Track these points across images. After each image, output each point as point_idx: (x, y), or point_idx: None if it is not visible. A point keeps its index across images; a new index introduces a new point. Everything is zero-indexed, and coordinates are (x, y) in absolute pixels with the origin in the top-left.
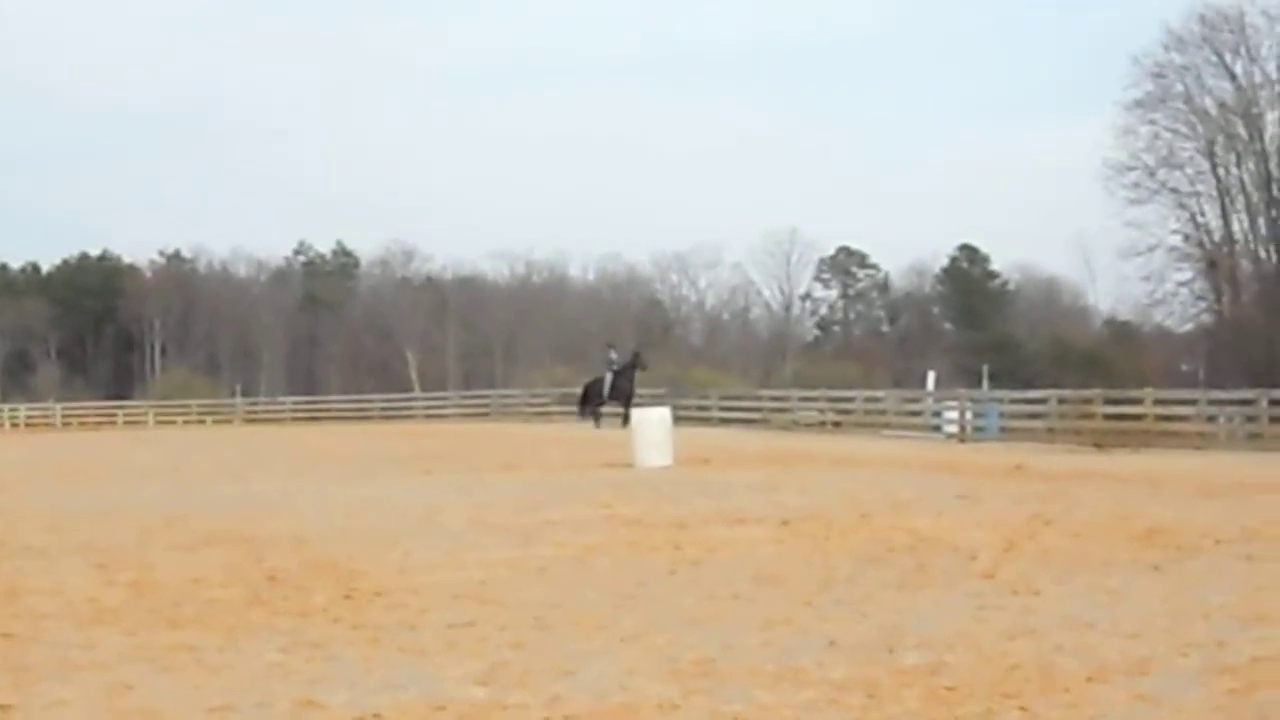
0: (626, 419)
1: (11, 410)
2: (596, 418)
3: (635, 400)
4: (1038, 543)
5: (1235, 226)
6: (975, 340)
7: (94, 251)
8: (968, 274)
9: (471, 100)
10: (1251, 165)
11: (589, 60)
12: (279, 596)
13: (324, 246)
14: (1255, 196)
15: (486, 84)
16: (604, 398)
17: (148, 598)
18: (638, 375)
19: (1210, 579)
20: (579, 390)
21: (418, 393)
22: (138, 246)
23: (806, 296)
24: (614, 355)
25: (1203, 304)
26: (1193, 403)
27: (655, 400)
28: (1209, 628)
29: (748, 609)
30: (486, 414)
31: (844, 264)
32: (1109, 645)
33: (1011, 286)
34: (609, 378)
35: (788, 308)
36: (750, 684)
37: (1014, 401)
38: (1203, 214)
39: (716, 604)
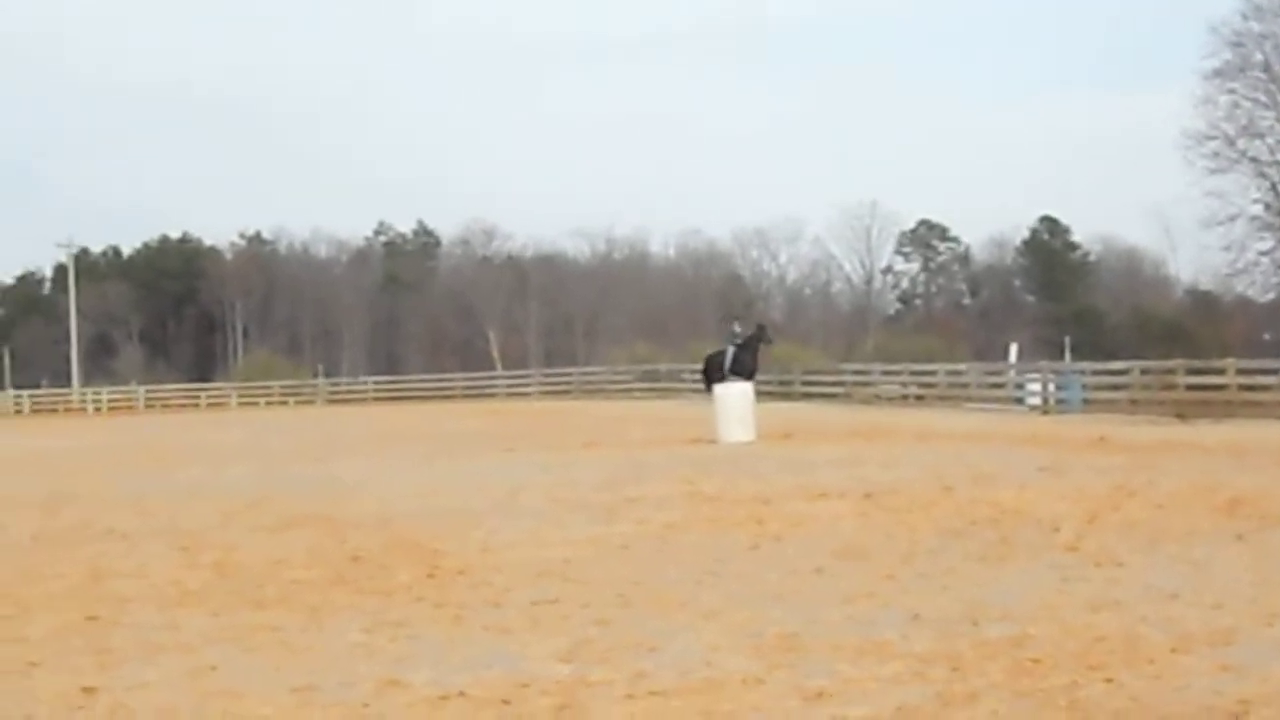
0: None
1: (95, 394)
2: None
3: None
4: (1121, 514)
5: None
6: (1057, 312)
7: (174, 234)
8: (1048, 246)
9: (549, 79)
10: None
11: (665, 37)
12: (362, 576)
13: (404, 226)
14: None
15: (564, 63)
16: (725, 373)
17: (231, 579)
18: (762, 350)
19: None
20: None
21: (499, 371)
22: (218, 229)
23: (887, 270)
24: (738, 328)
25: None
26: (1275, 372)
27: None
28: None
29: (830, 583)
30: (569, 392)
31: (924, 237)
32: (1193, 616)
33: (1092, 258)
34: (731, 351)
35: (869, 281)
36: (834, 658)
37: (1096, 373)
38: None
39: (798, 579)
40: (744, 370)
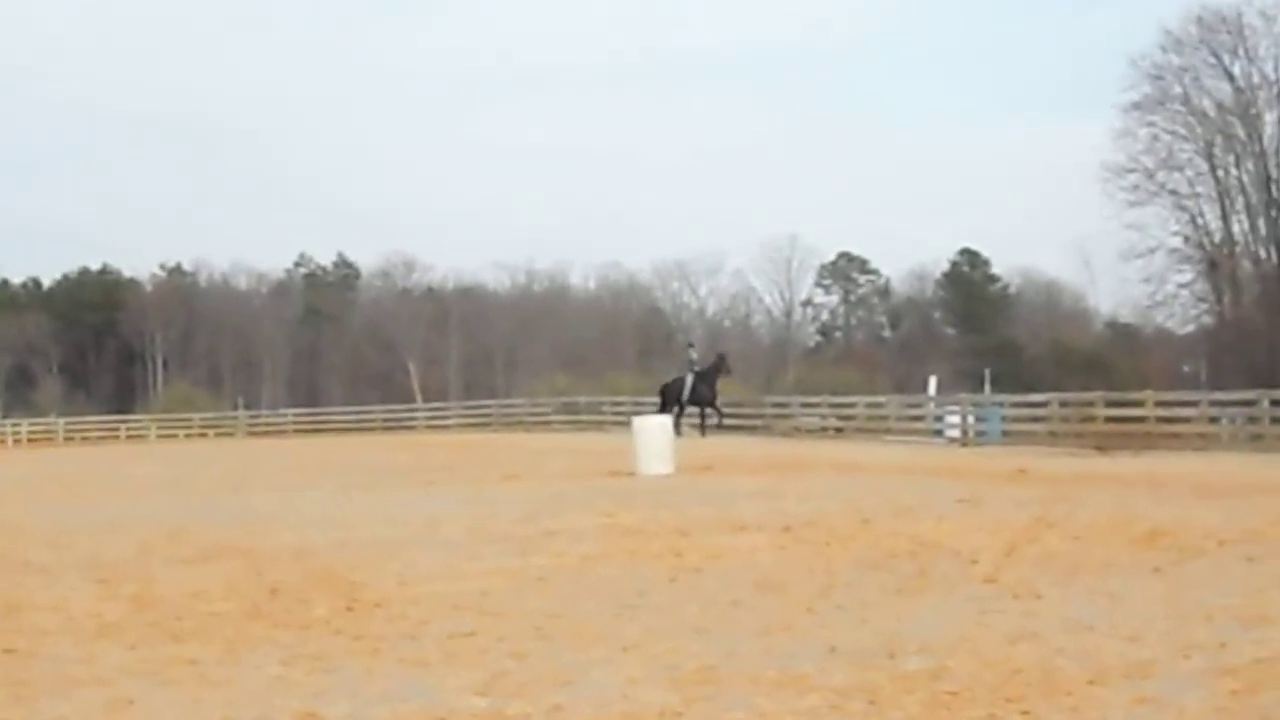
0: (706, 426)
1: (14, 425)
2: (678, 426)
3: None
4: (1039, 546)
5: (1235, 227)
6: (977, 344)
7: (94, 265)
8: (968, 278)
9: (469, 111)
10: (1250, 166)
11: (585, 69)
12: (280, 609)
13: (325, 258)
14: (1255, 197)
15: (484, 94)
16: (683, 402)
17: (149, 612)
18: (720, 381)
19: (1212, 580)
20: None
21: (419, 403)
22: (138, 260)
23: (808, 303)
24: (694, 355)
25: (1204, 305)
26: (1194, 404)
27: (656, 408)
28: (1211, 629)
29: (749, 616)
30: (488, 424)
31: (845, 270)
32: (1110, 648)
33: (1012, 290)
34: (689, 380)
35: (789, 314)
36: (751, 691)
37: (1016, 405)
38: (1202, 215)
39: (717, 611)
40: (702, 400)
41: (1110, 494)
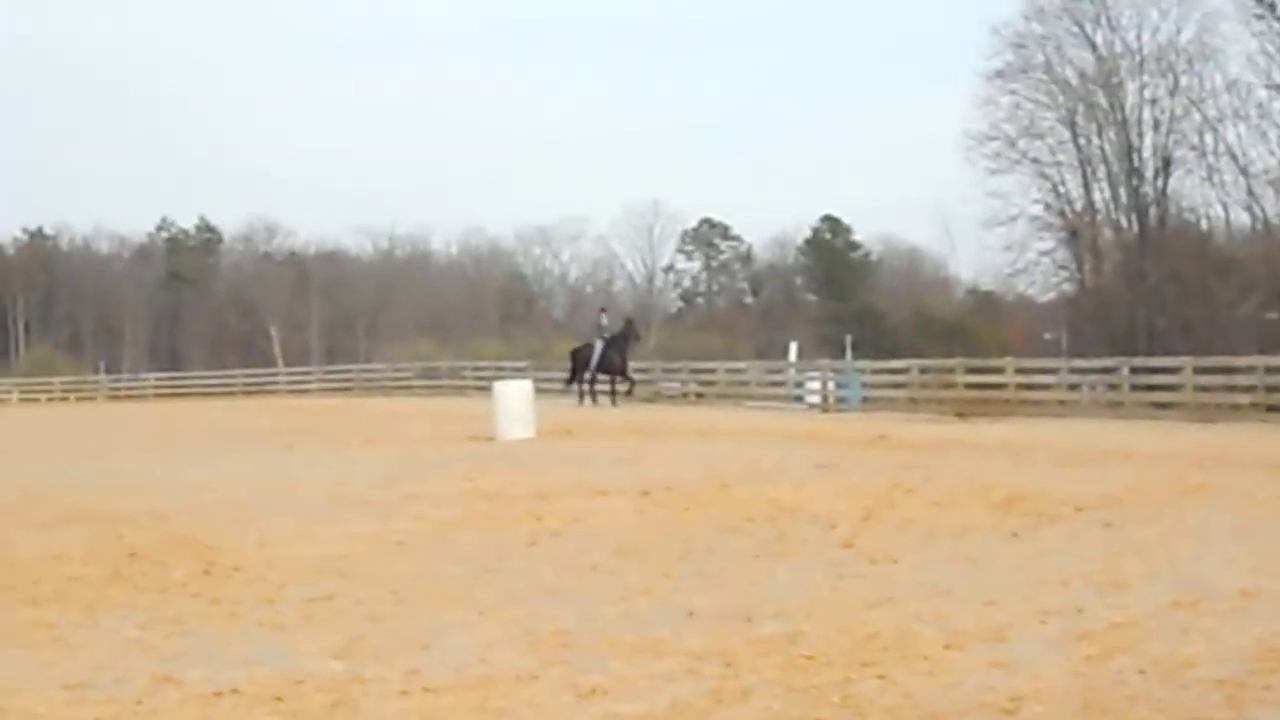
0: (617, 394)
1: None
2: (588, 395)
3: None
4: (897, 512)
5: (1096, 196)
6: (838, 311)
7: None
8: (830, 245)
9: (331, 74)
10: (1112, 135)
11: (449, 33)
12: (138, 573)
13: (187, 222)
14: (1116, 166)
15: (346, 58)
16: (593, 369)
17: (5, 576)
18: (631, 347)
19: (1069, 546)
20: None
21: (281, 368)
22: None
23: (669, 269)
24: (605, 321)
25: (1064, 273)
26: (1054, 371)
27: (517, 373)
28: (1067, 595)
29: (607, 580)
30: (349, 389)
31: (707, 236)
32: (967, 613)
33: (874, 257)
34: (599, 346)
35: (650, 280)
36: (608, 655)
37: (876, 371)
38: (1064, 184)
39: (575, 575)
40: (613, 367)
41: (969, 460)
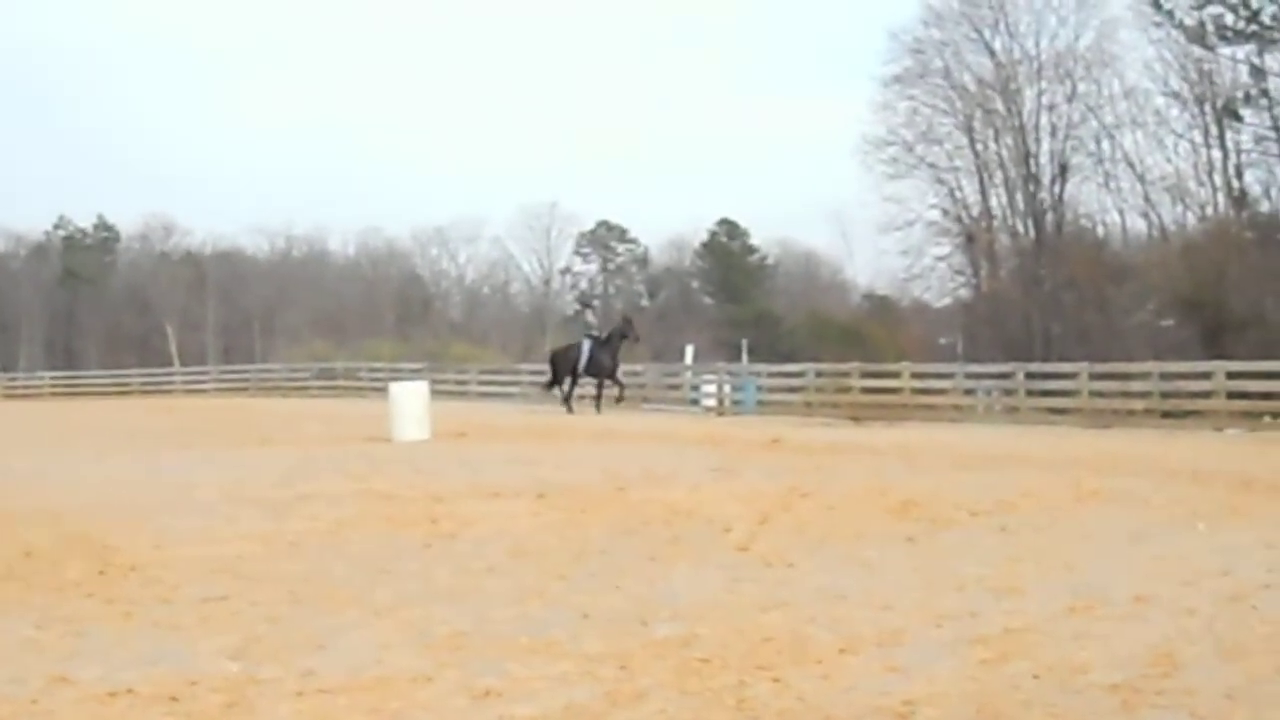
0: (602, 400)
1: None
2: (568, 399)
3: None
4: (792, 515)
5: (993, 201)
6: (734, 314)
7: None
8: (727, 248)
9: (230, 73)
10: (1009, 141)
11: (343, 33)
12: (33, 572)
13: (84, 221)
14: (1013, 172)
15: (244, 56)
16: (578, 372)
17: None
18: (624, 348)
19: (963, 551)
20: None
21: (177, 368)
22: None
23: (566, 270)
24: (592, 318)
25: (960, 278)
26: (949, 376)
27: (413, 374)
28: (962, 599)
29: (502, 582)
30: (246, 389)
31: (603, 238)
32: (862, 617)
33: (770, 261)
34: (586, 346)
35: (547, 282)
36: (503, 657)
37: (772, 375)
38: (960, 189)
39: (470, 577)
40: (602, 370)
41: (864, 464)
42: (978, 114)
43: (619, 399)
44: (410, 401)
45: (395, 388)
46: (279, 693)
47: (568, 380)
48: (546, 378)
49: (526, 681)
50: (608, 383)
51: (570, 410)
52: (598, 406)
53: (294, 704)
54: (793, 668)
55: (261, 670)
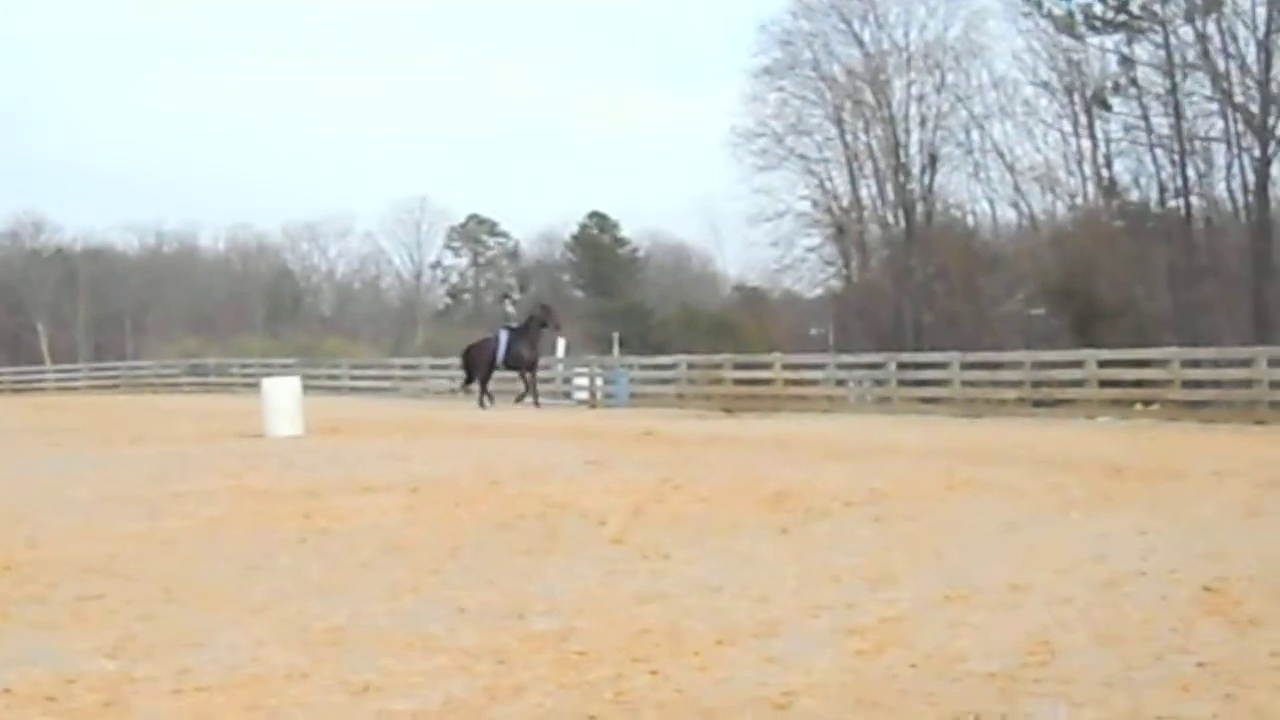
0: (526, 395)
1: None
2: (484, 394)
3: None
4: (667, 507)
5: (863, 192)
6: (605, 307)
7: None
8: (597, 241)
9: (96, 68)
10: (879, 131)
11: (211, 30)
12: None
13: None
14: (882, 163)
15: (110, 52)
16: (494, 366)
17: None
18: (544, 337)
19: (838, 541)
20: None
21: (48, 365)
22: None
23: (437, 265)
24: (511, 308)
25: (831, 269)
26: (821, 367)
27: (285, 370)
28: (838, 590)
29: (376, 577)
30: (117, 386)
31: (474, 232)
32: (738, 608)
33: (641, 254)
34: (504, 338)
35: (418, 276)
36: (380, 652)
37: (644, 367)
38: (831, 180)
39: (345, 573)
40: (521, 362)
41: (737, 456)
42: (847, 105)
43: (524, 395)
44: (283, 397)
45: (268, 383)
46: (156, 691)
47: (485, 375)
48: (462, 377)
49: (404, 676)
50: (528, 374)
51: (484, 406)
52: (526, 398)
53: (171, 702)
54: (670, 660)
55: (138, 668)
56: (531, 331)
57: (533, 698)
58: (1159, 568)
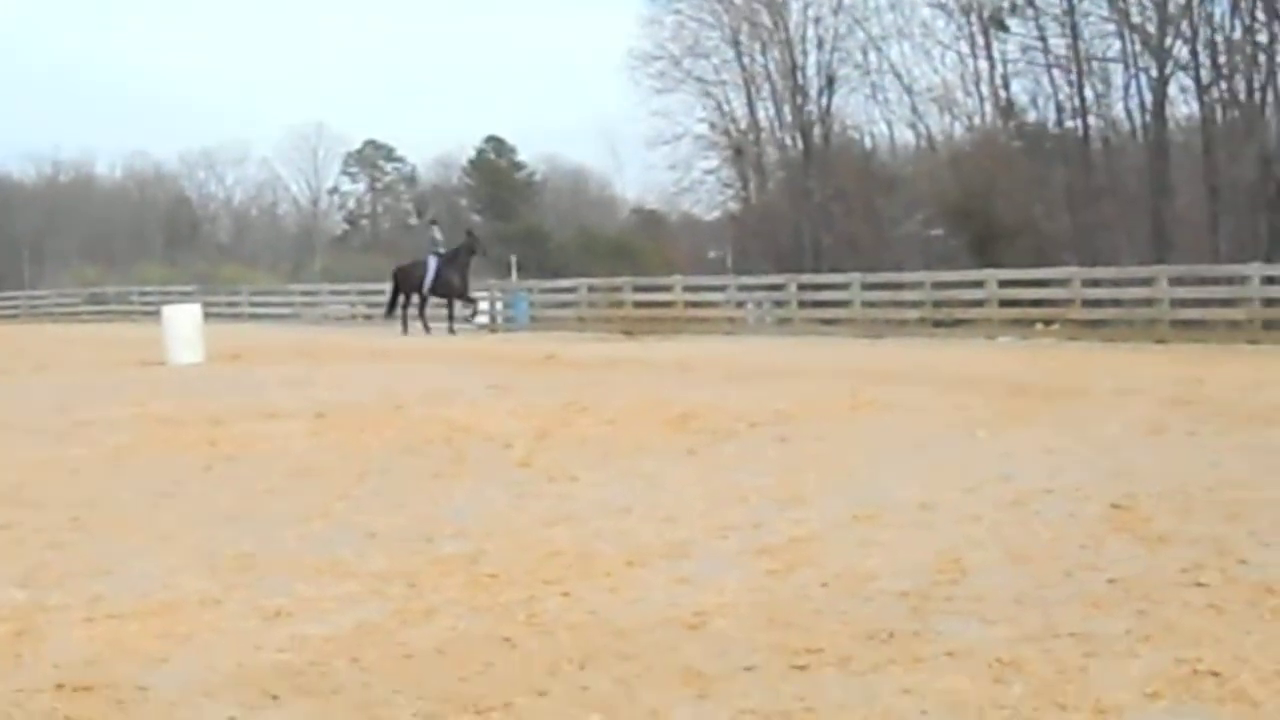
0: (455, 320)
1: None
2: (407, 320)
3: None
4: (572, 430)
5: (761, 114)
6: (503, 231)
7: None
8: (495, 166)
9: None
10: (776, 54)
11: None
12: None
13: None
14: (780, 85)
15: None
16: (424, 292)
17: None
18: (474, 263)
19: (745, 462)
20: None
21: None
22: None
23: (334, 191)
24: (438, 235)
25: (729, 191)
26: (722, 289)
27: (184, 297)
28: (746, 510)
29: (285, 503)
30: (16, 316)
31: (371, 158)
32: (647, 530)
33: (539, 178)
34: (433, 264)
35: (315, 203)
36: (291, 577)
37: (543, 291)
38: (728, 102)
39: (253, 499)
40: (451, 289)
41: (641, 378)
42: (744, 27)
43: (471, 316)
44: (183, 325)
45: (168, 311)
46: (68, 619)
47: (411, 301)
48: (386, 299)
49: (316, 601)
50: (460, 301)
51: (406, 332)
52: (450, 327)
53: (84, 630)
54: (581, 581)
55: (49, 597)
56: (460, 258)
57: (445, 620)
58: (1066, 486)
